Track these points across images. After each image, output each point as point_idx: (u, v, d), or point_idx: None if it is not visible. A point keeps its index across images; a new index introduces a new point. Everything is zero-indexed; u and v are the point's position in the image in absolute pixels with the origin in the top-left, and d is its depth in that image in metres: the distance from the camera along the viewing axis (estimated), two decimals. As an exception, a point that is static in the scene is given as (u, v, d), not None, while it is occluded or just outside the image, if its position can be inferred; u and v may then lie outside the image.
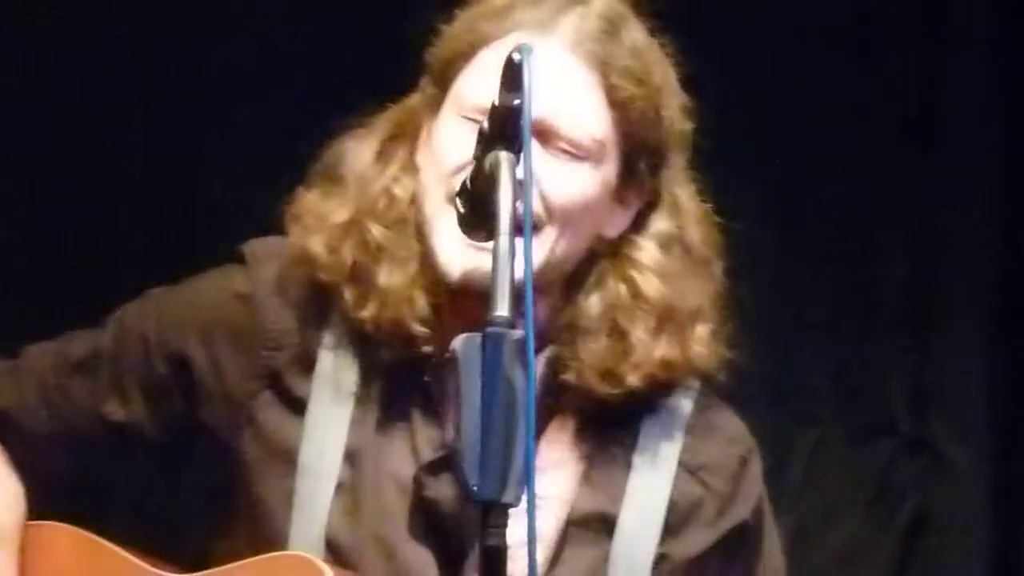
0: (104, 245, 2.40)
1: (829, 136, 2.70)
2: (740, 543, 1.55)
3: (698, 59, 2.48)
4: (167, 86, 2.53)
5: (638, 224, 1.52)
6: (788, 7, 2.74)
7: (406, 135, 1.55)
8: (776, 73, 2.71)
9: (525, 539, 1.14)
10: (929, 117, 2.76)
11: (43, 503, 1.65)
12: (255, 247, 1.59)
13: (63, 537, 1.64)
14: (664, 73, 1.51)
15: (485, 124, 1.25)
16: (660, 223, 1.53)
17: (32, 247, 2.46)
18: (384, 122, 1.55)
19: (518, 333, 1.14)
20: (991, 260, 2.67)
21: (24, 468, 1.61)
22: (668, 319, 1.50)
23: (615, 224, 1.51)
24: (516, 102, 1.19)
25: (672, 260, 1.52)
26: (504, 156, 1.20)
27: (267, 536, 1.52)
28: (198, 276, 1.62)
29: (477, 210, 1.27)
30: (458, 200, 1.33)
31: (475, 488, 1.11)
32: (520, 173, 1.21)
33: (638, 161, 1.49)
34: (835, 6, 2.75)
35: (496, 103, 1.22)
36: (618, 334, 1.49)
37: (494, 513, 1.11)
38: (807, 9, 2.74)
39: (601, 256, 1.52)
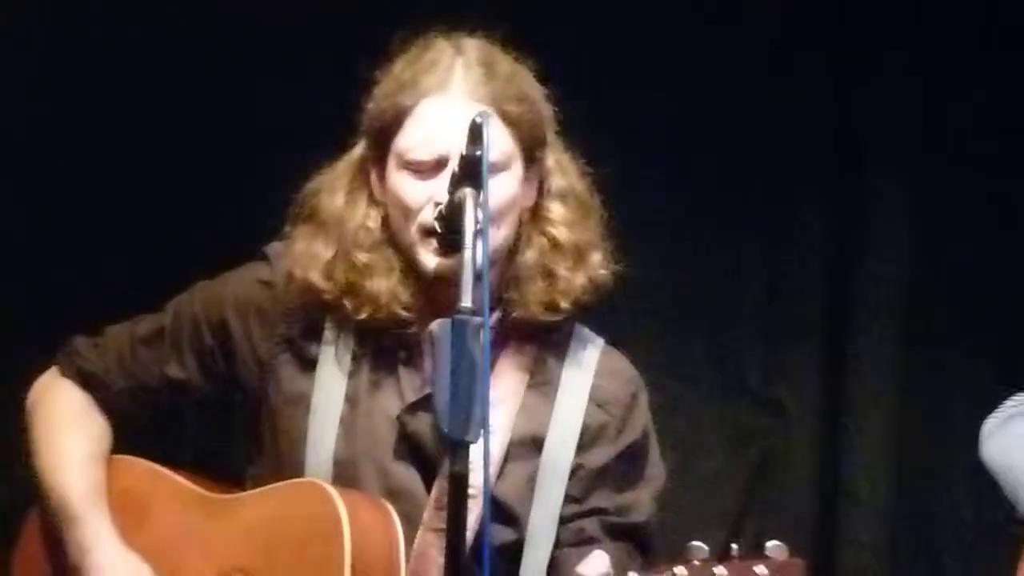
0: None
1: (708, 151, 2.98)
2: (633, 455, 1.86)
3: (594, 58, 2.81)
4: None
5: (542, 190, 1.83)
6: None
7: (361, 180, 1.84)
8: (657, 83, 3.01)
9: (480, 462, 1.44)
10: (798, 136, 3.06)
11: (123, 443, 1.95)
12: (275, 248, 1.88)
13: (137, 466, 1.93)
14: (531, 81, 1.81)
15: (456, 169, 1.55)
16: (556, 185, 1.84)
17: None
18: (341, 175, 1.85)
19: (478, 319, 1.42)
20: (824, 262, 3.03)
21: (109, 416, 1.91)
22: (578, 256, 1.81)
23: (528, 197, 1.81)
24: (478, 153, 1.50)
25: (570, 210, 1.83)
26: (469, 192, 1.52)
27: (288, 462, 1.81)
28: (233, 270, 1.91)
29: (450, 229, 1.57)
30: (436, 223, 1.64)
31: (446, 430, 1.40)
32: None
33: (534, 151, 1.80)
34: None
35: (464, 153, 1.52)
36: (549, 275, 1.79)
37: (459, 448, 1.41)
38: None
39: (524, 222, 1.82)
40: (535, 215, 1.83)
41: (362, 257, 1.79)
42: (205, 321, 1.87)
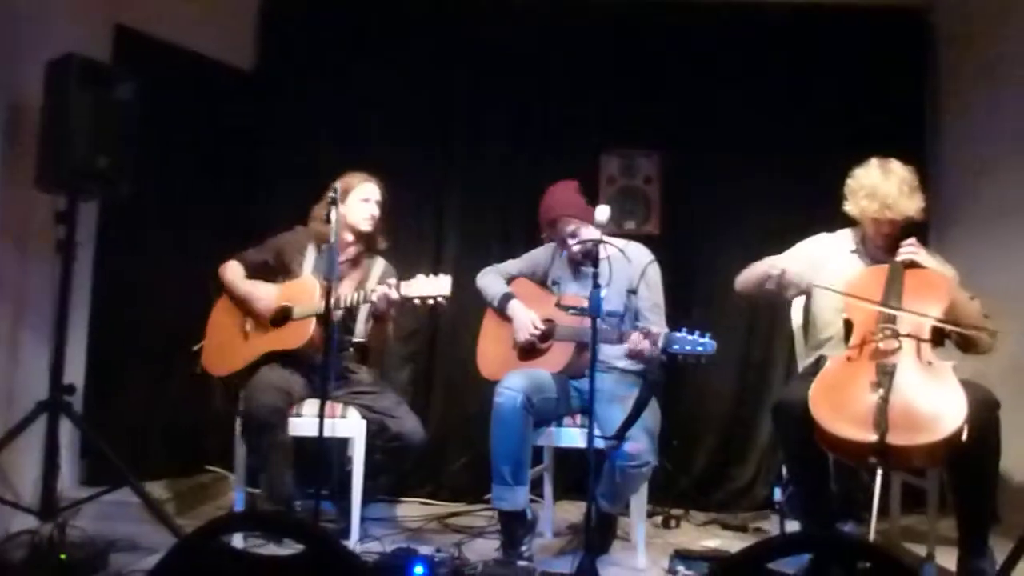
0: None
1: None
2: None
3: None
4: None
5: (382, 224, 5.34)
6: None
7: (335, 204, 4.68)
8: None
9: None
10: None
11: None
12: (295, 228, 5.30)
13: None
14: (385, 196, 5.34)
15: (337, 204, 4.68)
16: (383, 226, 5.39)
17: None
18: (325, 201, 4.91)
19: (335, 242, 4.55)
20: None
21: (248, 273, 5.30)
22: (376, 239, 5.42)
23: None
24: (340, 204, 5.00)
25: (378, 231, 5.39)
26: (335, 210, 4.64)
27: (295, 276, 5.28)
28: (282, 233, 5.33)
29: (328, 219, 4.64)
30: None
31: (327, 278, 4.51)
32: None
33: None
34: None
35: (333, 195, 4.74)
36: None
37: (330, 282, 4.57)
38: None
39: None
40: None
41: (321, 227, 5.09)
42: (274, 247, 5.30)
